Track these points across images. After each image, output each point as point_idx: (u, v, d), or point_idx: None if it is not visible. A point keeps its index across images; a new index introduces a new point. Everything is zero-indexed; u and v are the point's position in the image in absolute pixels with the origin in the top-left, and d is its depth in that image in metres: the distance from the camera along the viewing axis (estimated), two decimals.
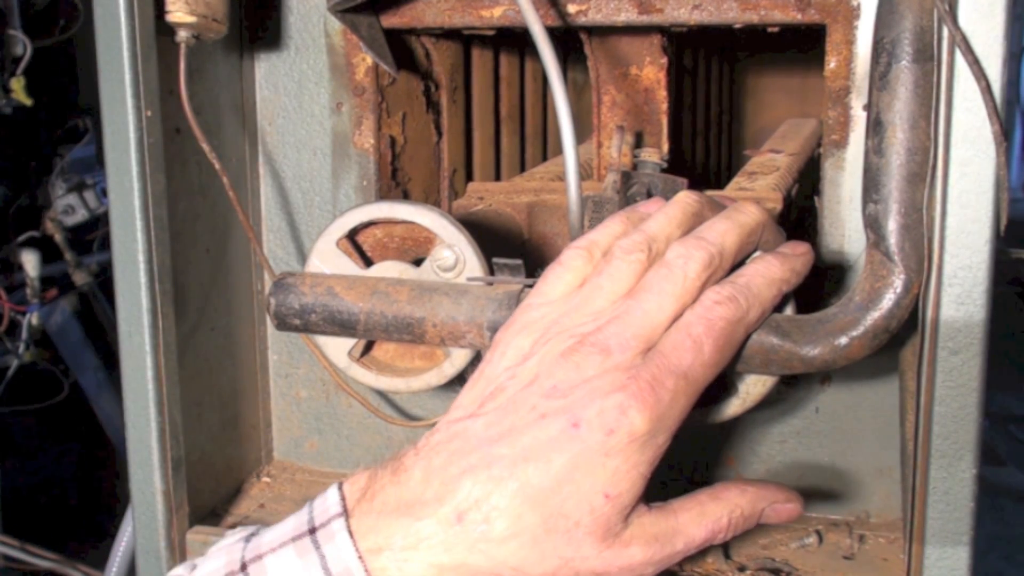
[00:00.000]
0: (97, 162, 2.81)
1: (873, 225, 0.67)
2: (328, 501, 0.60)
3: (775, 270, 0.64)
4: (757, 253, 0.66)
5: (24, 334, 2.62)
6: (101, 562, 1.49)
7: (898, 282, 0.66)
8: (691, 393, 0.59)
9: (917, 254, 0.67)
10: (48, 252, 2.70)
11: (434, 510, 0.57)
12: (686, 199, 0.66)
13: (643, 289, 0.60)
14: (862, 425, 0.88)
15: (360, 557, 0.57)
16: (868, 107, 0.69)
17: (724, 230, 0.64)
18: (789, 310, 0.68)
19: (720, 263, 0.62)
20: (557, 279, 0.63)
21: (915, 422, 0.73)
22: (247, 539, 0.62)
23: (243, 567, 0.59)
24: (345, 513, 0.59)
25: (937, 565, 0.73)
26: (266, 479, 1.00)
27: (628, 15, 0.84)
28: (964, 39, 0.66)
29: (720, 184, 1.06)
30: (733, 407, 0.71)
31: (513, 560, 0.57)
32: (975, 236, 0.68)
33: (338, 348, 0.80)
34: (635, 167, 0.90)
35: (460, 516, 0.57)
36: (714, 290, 0.61)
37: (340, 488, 0.61)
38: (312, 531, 0.59)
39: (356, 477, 0.61)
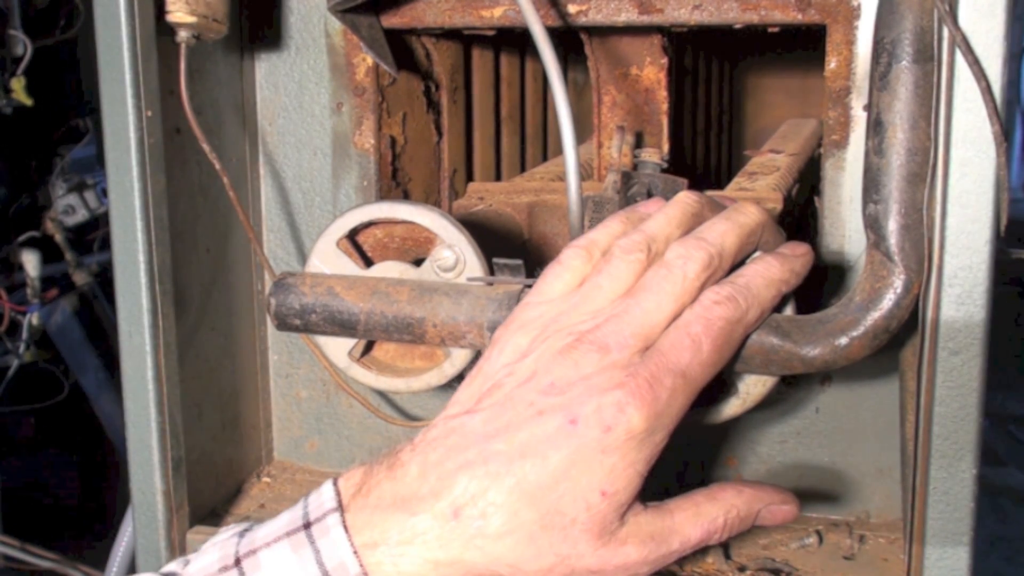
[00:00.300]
0: (97, 162, 2.80)
1: (873, 225, 0.67)
2: (323, 496, 0.60)
3: (775, 271, 0.64)
4: (757, 253, 0.66)
5: (24, 334, 2.62)
6: (101, 562, 1.49)
7: (898, 282, 0.66)
8: (689, 392, 0.59)
9: (917, 254, 0.67)
10: (48, 252, 2.69)
11: (430, 505, 0.57)
12: (686, 199, 0.66)
13: (642, 288, 0.60)
14: (862, 425, 0.88)
15: (355, 552, 0.57)
16: (868, 107, 0.69)
17: (724, 230, 0.64)
18: (789, 310, 0.68)
19: (720, 263, 0.62)
20: (556, 278, 0.63)
21: (915, 422, 0.73)
22: (241, 534, 0.62)
23: (237, 562, 0.59)
24: (340, 508, 0.59)
25: (937, 565, 0.73)
26: (266, 479, 1.00)
27: (628, 15, 0.84)
28: (964, 39, 0.66)
29: (720, 184, 1.06)
30: (733, 407, 0.71)
31: (509, 556, 0.57)
32: (975, 236, 0.68)
33: (338, 348, 0.80)
34: (635, 167, 0.90)
35: (456, 512, 0.57)
36: (713, 290, 0.61)
37: (335, 483, 0.61)
38: (307, 526, 0.59)
39: (351, 473, 0.61)
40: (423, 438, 0.60)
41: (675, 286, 0.60)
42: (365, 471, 0.61)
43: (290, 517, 0.60)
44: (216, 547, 0.61)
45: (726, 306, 0.61)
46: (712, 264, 0.62)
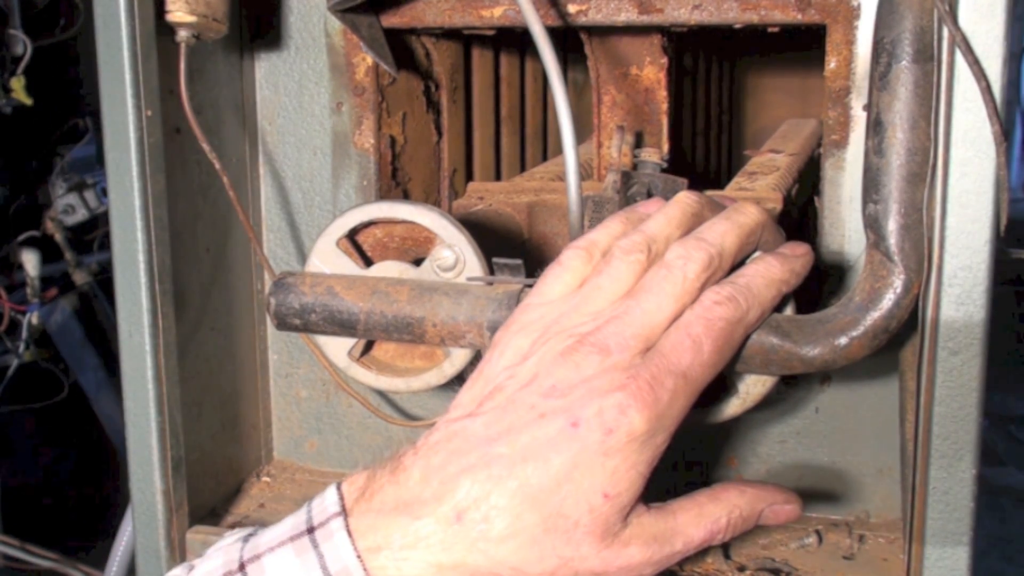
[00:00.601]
0: (97, 162, 2.80)
1: (873, 225, 0.67)
2: (326, 501, 0.60)
3: (775, 271, 0.64)
4: (757, 253, 0.66)
5: (24, 334, 2.62)
6: (101, 562, 1.49)
7: (898, 282, 0.66)
8: (690, 393, 0.59)
9: (917, 254, 0.67)
10: (48, 252, 2.69)
11: (433, 509, 0.57)
12: (686, 199, 0.66)
13: (642, 289, 0.60)
14: (862, 425, 0.88)
15: (359, 556, 0.57)
16: (868, 107, 0.69)
17: (724, 231, 0.64)
18: (789, 311, 0.68)
19: (720, 264, 0.62)
20: (556, 279, 0.63)
21: (915, 422, 0.73)
22: (245, 539, 0.62)
23: (241, 567, 0.59)
24: (343, 512, 0.59)
25: (937, 565, 0.73)
26: (266, 479, 1.00)
27: (628, 15, 0.84)
28: (964, 39, 0.66)
29: (720, 184, 1.06)
30: (733, 407, 0.71)
31: (512, 559, 0.57)
32: (975, 236, 0.68)
33: (338, 348, 0.80)
34: (635, 167, 0.90)
35: (459, 515, 0.57)
36: (714, 290, 0.61)
37: (338, 488, 0.61)
38: (310, 530, 0.59)
39: (354, 477, 0.61)
40: (425, 442, 0.60)
41: (675, 287, 0.60)
42: (368, 475, 0.61)
43: (294, 522, 0.60)
44: (220, 552, 0.61)
45: (727, 306, 0.60)
46: (712, 264, 0.62)
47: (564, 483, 0.56)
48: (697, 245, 0.62)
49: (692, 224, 0.65)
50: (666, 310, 0.60)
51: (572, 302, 0.61)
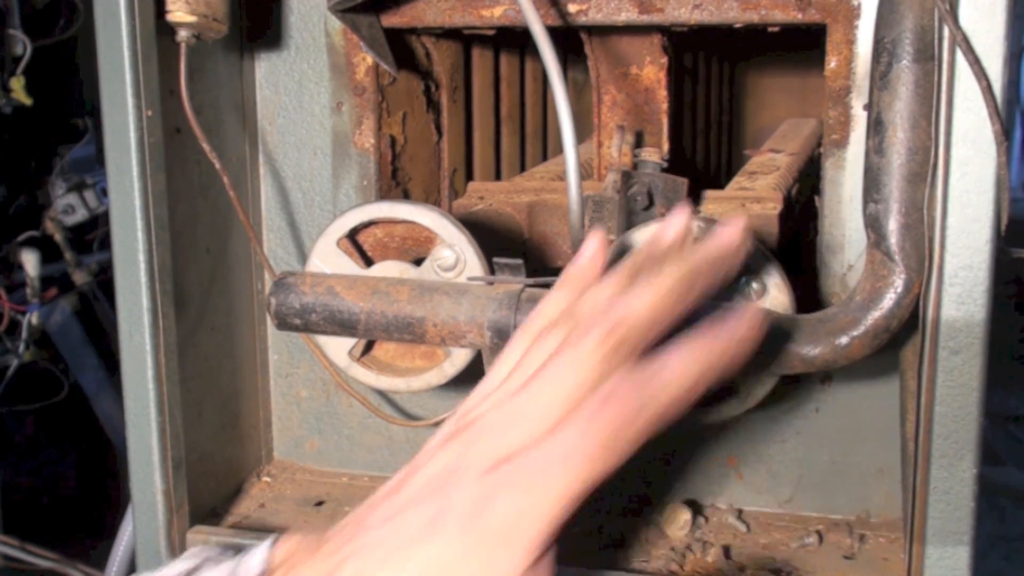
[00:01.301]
0: (97, 162, 2.80)
1: (874, 225, 0.67)
2: (251, 562, 0.58)
3: (691, 365, 0.54)
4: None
5: (24, 334, 2.62)
6: (101, 561, 1.49)
7: (899, 282, 0.67)
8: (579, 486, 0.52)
9: (918, 254, 0.67)
10: (48, 252, 2.69)
11: None
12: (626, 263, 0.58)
13: (539, 379, 0.54)
14: (862, 425, 0.88)
15: None
16: (869, 107, 0.69)
17: (642, 304, 0.55)
18: (790, 311, 0.68)
19: (633, 340, 0.54)
20: (500, 366, 0.58)
21: (915, 422, 0.73)
22: None
23: None
24: None
25: (937, 565, 0.73)
26: (266, 479, 1.00)
27: (628, 15, 0.84)
28: (965, 39, 0.66)
29: (720, 184, 1.06)
30: (733, 407, 0.71)
31: None
32: (975, 236, 0.68)
33: (338, 348, 0.80)
34: (635, 167, 0.90)
35: None
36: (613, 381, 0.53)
37: (271, 547, 0.59)
38: None
39: (287, 540, 0.59)
40: (345, 520, 0.57)
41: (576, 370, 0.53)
42: (298, 540, 0.58)
43: None
44: None
45: (616, 406, 0.52)
46: (621, 343, 0.54)
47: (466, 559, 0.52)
48: (604, 320, 0.54)
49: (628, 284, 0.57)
50: (565, 397, 0.53)
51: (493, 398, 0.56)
